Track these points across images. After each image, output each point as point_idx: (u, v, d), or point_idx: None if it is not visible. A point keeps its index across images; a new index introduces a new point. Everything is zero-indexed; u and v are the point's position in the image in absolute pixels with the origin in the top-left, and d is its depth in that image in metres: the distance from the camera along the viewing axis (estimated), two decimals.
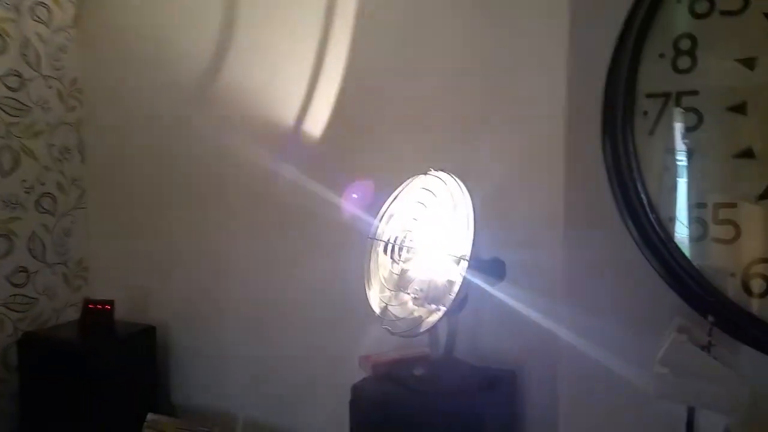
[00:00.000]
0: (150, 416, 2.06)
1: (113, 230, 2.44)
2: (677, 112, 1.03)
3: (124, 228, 2.41)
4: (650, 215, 1.04)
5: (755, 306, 0.98)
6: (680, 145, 1.03)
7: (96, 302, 2.20)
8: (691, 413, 0.91)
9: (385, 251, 1.56)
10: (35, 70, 2.26)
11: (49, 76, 2.31)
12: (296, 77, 1.99)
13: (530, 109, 1.62)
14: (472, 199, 1.38)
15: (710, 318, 0.92)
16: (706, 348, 0.89)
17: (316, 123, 1.97)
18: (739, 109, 0.99)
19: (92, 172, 2.46)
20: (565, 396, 1.26)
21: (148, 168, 2.33)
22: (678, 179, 1.03)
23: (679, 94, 1.03)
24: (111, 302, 2.18)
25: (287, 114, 2.02)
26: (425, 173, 1.51)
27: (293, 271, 2.04)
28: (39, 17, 2.27)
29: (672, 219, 1.03)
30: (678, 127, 1.03)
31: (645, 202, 1.05)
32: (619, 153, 1.10)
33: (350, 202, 1.79)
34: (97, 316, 2.16)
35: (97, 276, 2.50)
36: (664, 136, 1.04)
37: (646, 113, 1.06)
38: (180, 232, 2.28)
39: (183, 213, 2.26)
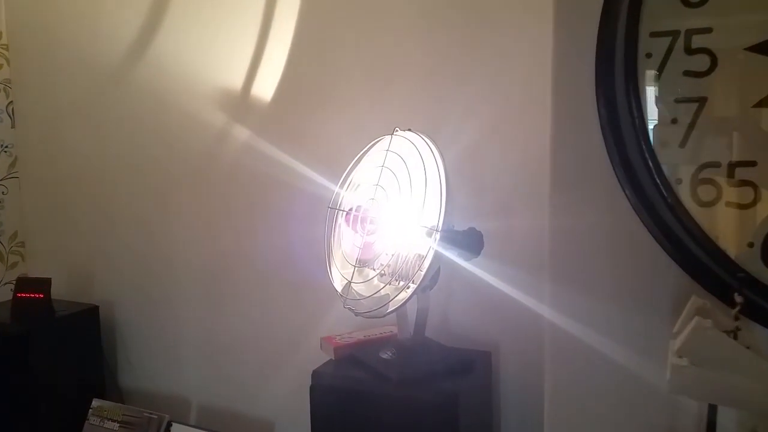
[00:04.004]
0: (95, 402, 1.93)
1: (50, 201, 2.23)
2: (687, 53, 0.87)
3: (62, 199, 2.20)
4: (654, 176, 0.89)
5: None
6: (690, 93, 0.88)
7: (31, 281, 2.01)
8: (712, 412, 0.77)
9: (347, 222, 1.39)
10: None
11: None
12: (243, 31, 1.79)
13: (511, 56, 1.45)
14: (444, 162, 1.21)
15: (738, 298, 0.78)
16: (732, 334, 0.74)
17: (268, 81, 1.78)
18: (761, 49, 0.84)
19: (24, 137, 2.23)
20: (553, 382, 1.13)
21: (86, 132, 2.11)
22: (687, 134, 0.88)
23: (689, 33, 0.87)
24: (47, 280, 1.98)
25: (235, 72, 1.82)
26: (391, 134, 1.34)
27: (248, 243, 1.87)
28: None
29: (680, 180, 0.88)
30: (688, 72, 0.88)
31: (647, 161, 0.90)
32: (615, 104, 0.95)
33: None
34: (32, 296, 1.96)
35: (34, 252, 2.29)
36: (671, 83, 0.89)
37: (649, 56, 0.90)
38: (123, 202, 2.08)
39: (125, 181, 2.06)
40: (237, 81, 1.82)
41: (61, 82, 2.13)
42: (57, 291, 2.05)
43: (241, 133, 1.83)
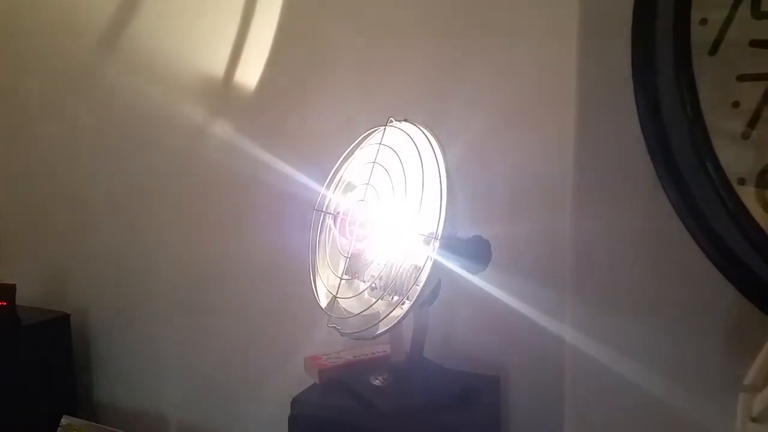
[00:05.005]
0: (65, 419, 1.76)
1: (22, 201, 2.06)
2: (754, 17, 0.69)
3: (32, 197, 2.03)
4: (710, 174, 0.70)
5: None
6: (758, 69, 0.69)
7: None
8: None
9: (335, 225, 1.21)
10: None
11: None
12: (224, 16, 1.61)
13: (525, 32, 1.26)
14: (445, 157, 1.03)
15: None
16: None
17: (251, 73, 1.61)
18: None
19: None
20: (574, 416, 0.96)
21: (59, 128, 1.94)
22: (753, 121, 0.69)
23: None
24: (11, 286, 1.81)
25: (216, 63, 1.65)
26: (385, 125, 1.15)
27: (231, 248, 1.70)
28: None
29: (742, 180, 0.70)
30: (755, 42, 0.69)
31: (700, 155, 0.71)
32: (656, 85, 0.76)
33: None
34: None
35: (7, 255, 2.13)
36: (734, 56, 0.70)
37: (704, 22, 0.71)
38: (99, 202, 1.91)
39: (101, 180, 1.90)
40: (218, 73, 1.65)
41: (31, 74, 1.97)
42: (29, 297, 1.90)
43: (224, 128, 1.66)
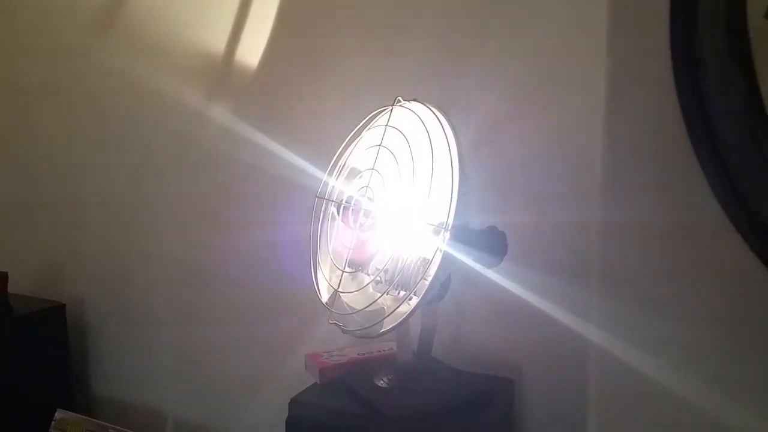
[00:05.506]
0: (59, 413, 1.72)
1: (15, 185, 2.00)
2: None
3: (26, 182, 1.98)
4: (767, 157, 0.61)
5: None
6: None
7: None
8: None
9: (338, 214, 1.13)
10: None
11: None
12: None
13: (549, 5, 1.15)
14: (457, 140, 0.94)
15: None
16: None
17: (251, 50, 1.53)
18: None
19: None
20: (599, 424, 0.88)
21: (53, 111, 1.89)
22: None
23: None
24: (4, 275, 1.76)
25: (214, 42, 1.57)
26: (393, 105, 1.07)
27: (231, 239, 1.62)
28: None
29: None
30: None
31: (755, 135, 0.62)
32: (700, 54, 0.67)
33: None
34: None
35: None
36: None
37: None
38: (95, 189, 1.85)
39: (98, 165, 1.83)
40: (217, 53, 1.57)
41: (22, 54, 1.91)
42: (23, 286, 1.86)
43: (222, 112, 1.58)
